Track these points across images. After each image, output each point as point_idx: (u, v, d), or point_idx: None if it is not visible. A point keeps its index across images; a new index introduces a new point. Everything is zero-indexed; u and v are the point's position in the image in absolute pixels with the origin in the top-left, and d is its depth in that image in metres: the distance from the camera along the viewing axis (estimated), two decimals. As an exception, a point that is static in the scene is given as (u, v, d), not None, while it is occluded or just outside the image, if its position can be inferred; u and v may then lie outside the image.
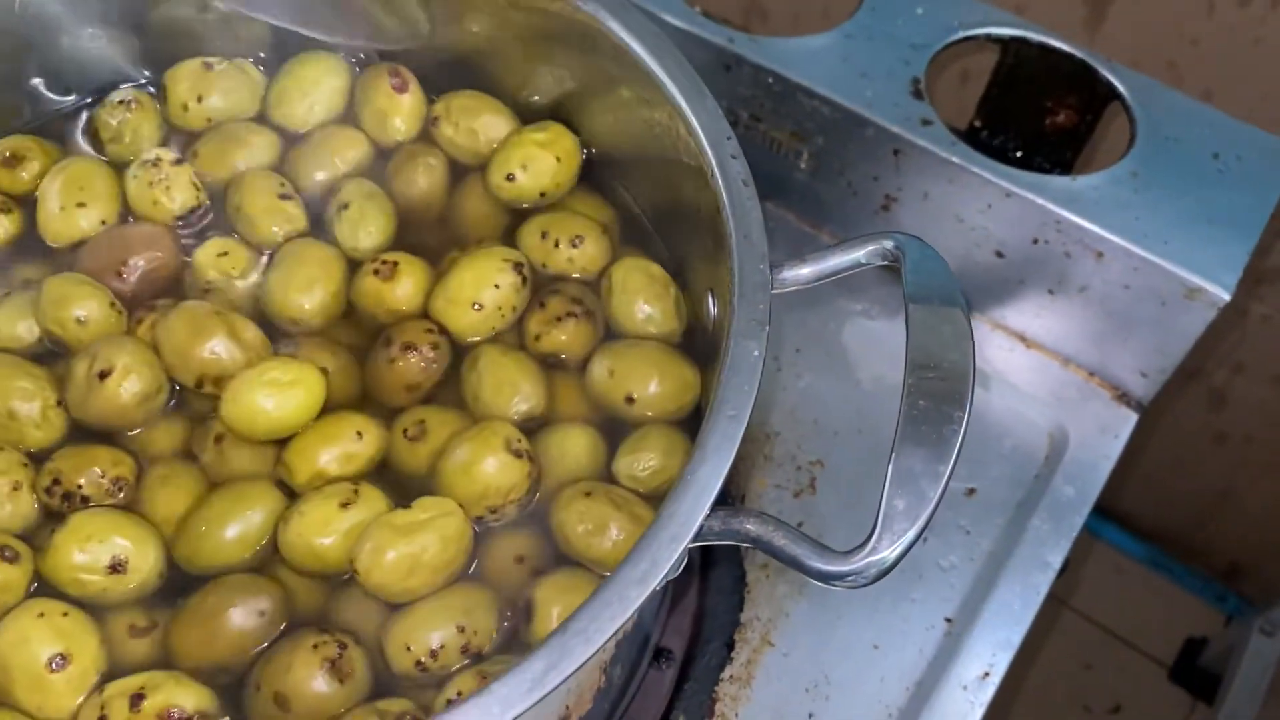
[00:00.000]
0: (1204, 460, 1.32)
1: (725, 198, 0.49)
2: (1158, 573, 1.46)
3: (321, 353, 0.55)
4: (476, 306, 0.57)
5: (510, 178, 0.61)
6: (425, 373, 0.55)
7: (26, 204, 0.59)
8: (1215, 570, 1.44)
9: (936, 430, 0.43)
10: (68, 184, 0.58)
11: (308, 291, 0.56)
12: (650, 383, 0.55)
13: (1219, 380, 1.23)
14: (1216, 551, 1.42)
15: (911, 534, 0.41)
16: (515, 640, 0.50)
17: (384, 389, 0.56)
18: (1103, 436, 0.72)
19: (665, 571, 0.40)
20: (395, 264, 0.57)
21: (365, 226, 0.59)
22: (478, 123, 0.63)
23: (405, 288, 0.57)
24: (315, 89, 0.63)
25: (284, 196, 0.59)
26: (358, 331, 0.58)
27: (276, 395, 0.51)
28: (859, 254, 0.49)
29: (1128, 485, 1.38)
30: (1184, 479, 1.36)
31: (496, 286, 0.57)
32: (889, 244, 0.48)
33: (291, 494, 0.52)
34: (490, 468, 0.51)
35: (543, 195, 0.62)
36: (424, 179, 0.62)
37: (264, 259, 0.59)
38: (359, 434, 0.52)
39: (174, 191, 0.59)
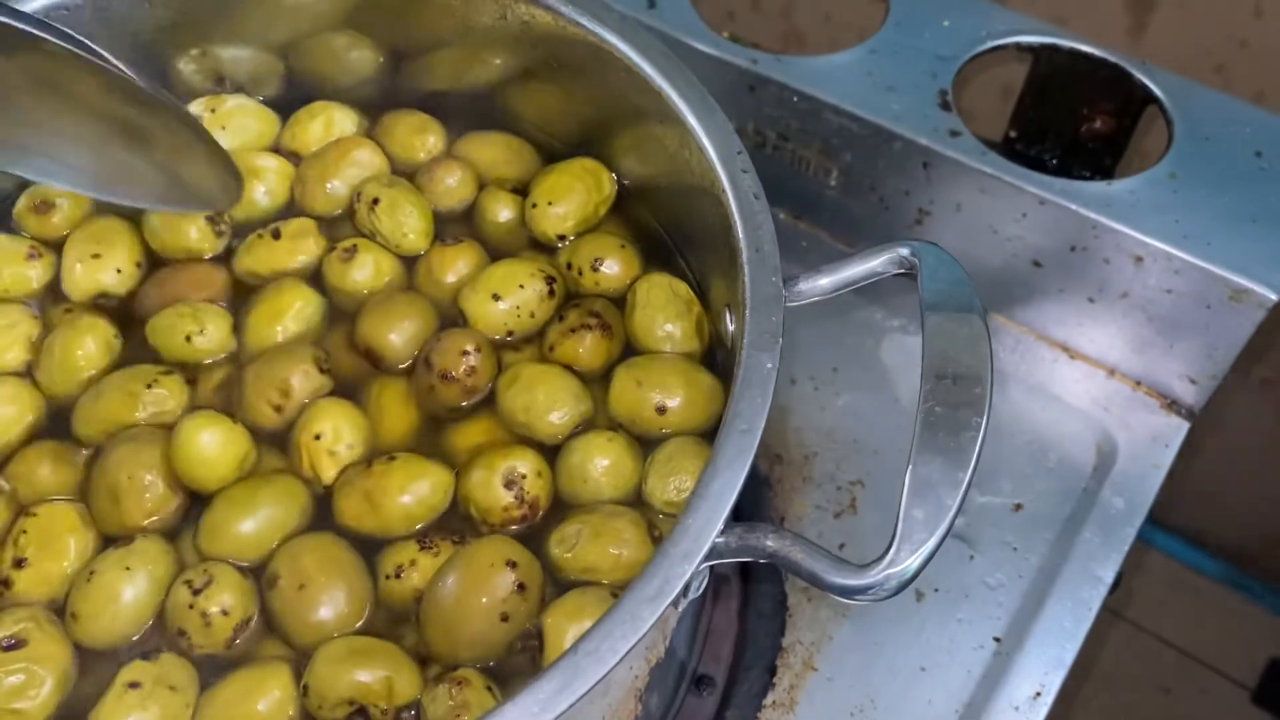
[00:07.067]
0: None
1: (736, 212, 0.48)
2: (1237, 592, 1.41)
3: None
4: (495, 298, 0.57)
5: (543, 210, 0.62)
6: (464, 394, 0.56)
7: (57, 248, 0.60)
8: (1297, 588, 1.40)
9: (954, 437, 0.42)
10: (84, 240, 0.59)
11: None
12: (681, 392, 0.54)
13: (1290, 389, 1.19)
14: (1298, 568, 1.38)
15: (931, 544, 0.40)
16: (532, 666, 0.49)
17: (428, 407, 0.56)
18: (1152, 446, 0.70)
19: (679, 589, 0.39)
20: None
21: (404, 220, 0.60)
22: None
23: None
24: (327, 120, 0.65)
25: None
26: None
27: None
28: (875, 263, 0.48)
29: (1201, 503, 1.34)
30: (1260, 492, 1.32)
31: (521, 287, 0.57)
32: (904, 251, 0.48)
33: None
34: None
35: (564, 237, 0.62)
36: (455, 183, 0.63)
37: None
38: None
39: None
